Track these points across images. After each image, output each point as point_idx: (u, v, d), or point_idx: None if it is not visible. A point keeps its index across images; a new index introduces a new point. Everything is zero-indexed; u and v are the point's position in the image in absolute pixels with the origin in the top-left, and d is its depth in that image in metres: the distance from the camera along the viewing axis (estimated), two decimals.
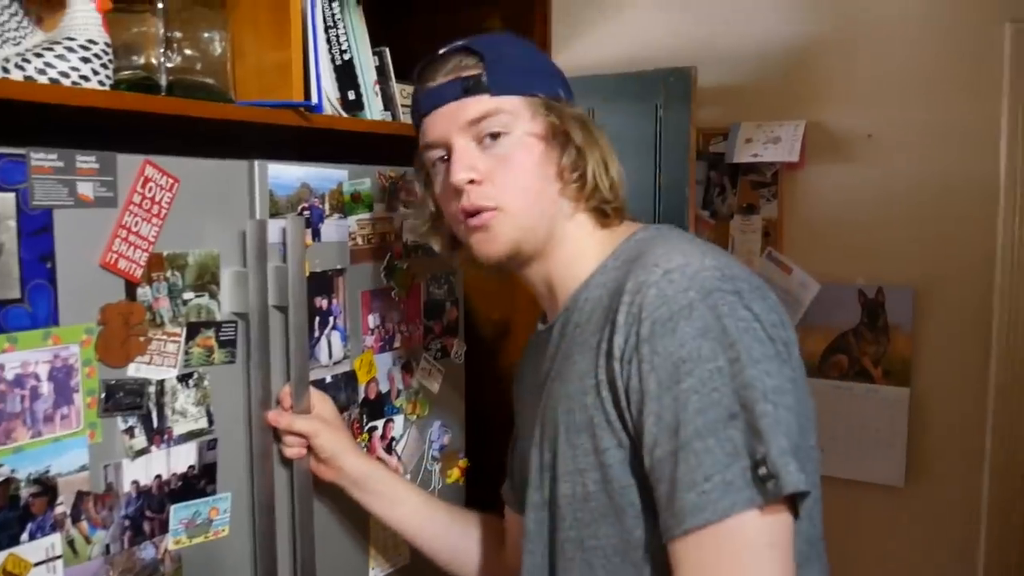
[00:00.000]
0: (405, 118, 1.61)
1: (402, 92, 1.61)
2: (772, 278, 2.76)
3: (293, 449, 1.27)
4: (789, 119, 2.74)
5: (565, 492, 0.98)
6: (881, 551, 2.70)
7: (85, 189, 1.02)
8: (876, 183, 2.65)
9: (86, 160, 1.02)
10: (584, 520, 0.96)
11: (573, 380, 0.98)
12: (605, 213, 1.06)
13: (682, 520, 0.82)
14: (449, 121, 1.04)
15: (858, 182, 2.68)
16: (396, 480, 1.34)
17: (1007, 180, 2.45)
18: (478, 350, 1.77)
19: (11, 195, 0.95)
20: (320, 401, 1.31)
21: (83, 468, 1.04)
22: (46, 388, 0.99)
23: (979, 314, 2.51)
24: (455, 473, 1.64)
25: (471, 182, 1.02)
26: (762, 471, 0.79)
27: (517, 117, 1.03)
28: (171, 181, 1.12)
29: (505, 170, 1.02)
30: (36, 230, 0.98)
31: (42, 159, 0.98)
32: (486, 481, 1.74)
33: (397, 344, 1.50)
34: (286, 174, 1.27)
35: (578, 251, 1.05)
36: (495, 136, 1.02)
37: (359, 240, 1.41)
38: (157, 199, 1.11)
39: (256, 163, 1.23)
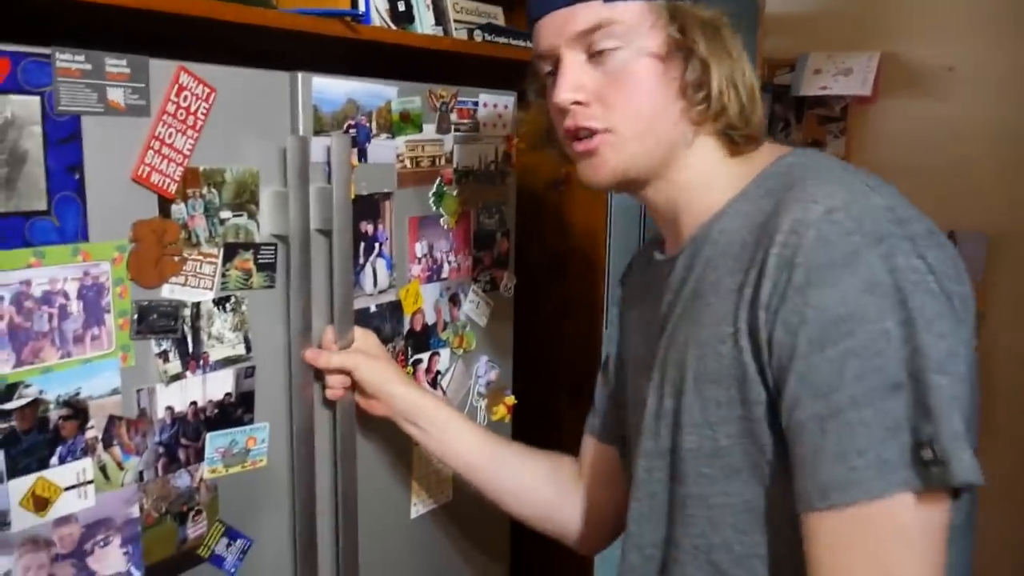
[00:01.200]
0: (458, 34, 1.52)
1: (455, 6, 1.51)
2: None
3: (334, 390, 1.21)
4: (862, 49, 2.57)
5: (690, 445, 0.88)
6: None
7: (115, 95, 0.95)
8: (954, 121, 2.48)
9: (116, 64, 0.95)
10: (712, 476, 0.87)
11: (707, 324, 0.86)
12: (733, 140, 0.92)
13: (827, 494, 0.73)
14: (557, 31, 0.91)
15: (935, 119, 2.51)
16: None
17: None
18: (528, 285, 1.69)
19: (35, 98, 0.88)
20: (362, 335, 1.24)
21: (115, 392, 0.99)
22: (75, 307, 0.94)
23: None
24: (501, 410, 1.57)
25: (577, 103, 0.90)
26: (926, 454, 0.69)
27: (634, 28, 0.88)
28: (207, 91, 1.04)
29: (617, 90, 0.89)
30: (63, 138, 0.91)
31: (69, 60, 0.90)
32: (533, 419, 1.68)
33: (445, 274, 1.42)
34: (331, 88, 1.19)
35: (708, 177, 0.92)
36: (607, 50, 0.89)
37: (407, 163, 1.32)
38: (192, 109, 1.03)
39: (300, 75, 1.15)
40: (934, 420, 0.70)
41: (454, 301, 1.44)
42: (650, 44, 0.89)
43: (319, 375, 1.20)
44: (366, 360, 1.20)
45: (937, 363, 0.71)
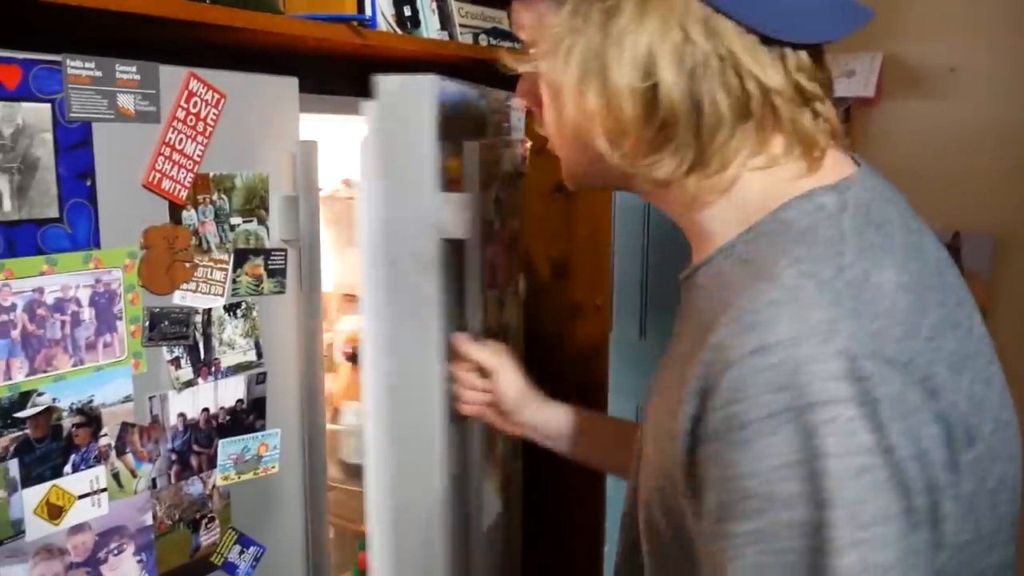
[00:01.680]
0: (464, 38, 1.52)
1: (460, 11, 1.51)
2: None
3: (471, 406, 1.11)
4: (864, 51, 2.57)
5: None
6: None
7: (126, 102, 0.95)
8: (957, 121, 2.47)
9: (126, 70, 0.95)
10: (651, 552, 0.71)
11: (676, 358, 0.69)
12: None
13: None
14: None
15: (938, 120, 2.51)
16: (594, 419, 1.11)
17: None
18: (535, 288, 1.69)
19: (47, 105, 0.88)
20: (496, 346, 1.13)
21: (127, 399, 0.98)
22: (88, 314, 0.94)
23: None
24: None
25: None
26: None
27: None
28: (217, 96, 1.04)
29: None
30: (74, 144, 0.91)
31: (79, 67, 0.90)
32: None
33: (498, 280, 1.41)
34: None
35: (706, 211, 0.69)
36: None
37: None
38: (202, 115, 1.03)
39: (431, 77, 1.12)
40: None
41: (500, 305, 1.43)
42: None
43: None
44: (510, 368, 1.10)
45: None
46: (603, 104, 0.64)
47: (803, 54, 0.63)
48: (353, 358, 1.35)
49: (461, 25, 1.51)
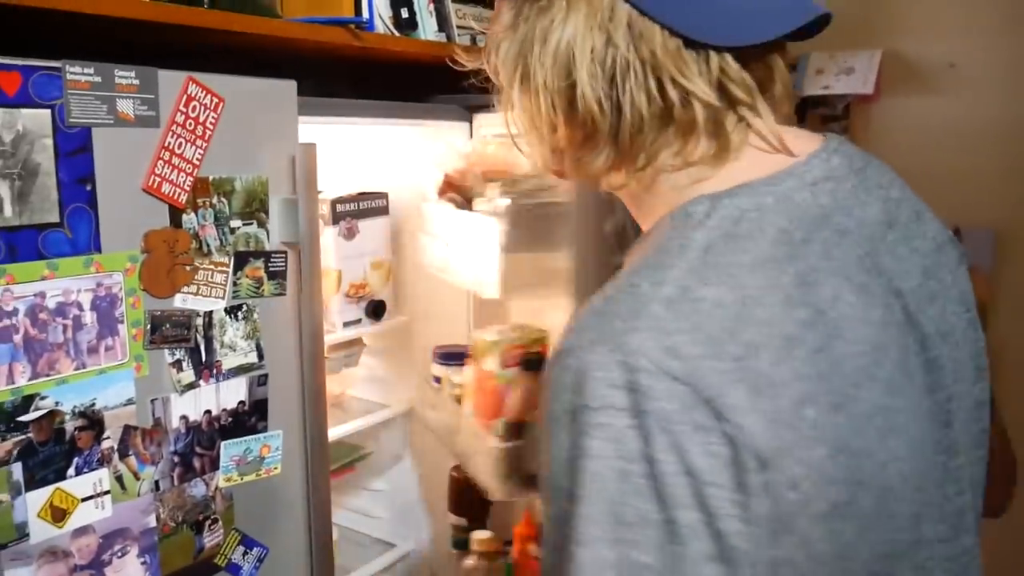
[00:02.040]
0: (461, 39, 1.52)
1: (458, 12, 1.51)
2: None
3: None
4: (864, 48, 2.57)
5: None
6: None
7: (125, 107, 0.96)
8: (957, 117, 2.48)
9: (125, 75, 0.95)
10: None
11: None
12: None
13: None
14: None
15: (937, 116, 2.51)
16: None
17: None
18: None
19: (47, 111, 0.89)
20: None
21: (130, 402, 0.99)
22: (89, 318, 0.94)
23: None
24: None
25: None
26: None
27: None
28: (216, 100, 1.05)
29: None
30: (74, 150, 0.92)
31: (78, 73, 0.91)
32: None
33: None
34: None
35: (641, 207, 0.71)
36: None
37: None
38: (201, 119, 1.04)
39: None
40: None
41: None
42: None
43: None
44: None
45: (574, 570, 0.55)
46: (529, 101, 0.66)
47: (729, 57, 0.62)
48: (530, 364, 1.24)
49: (459, 26, 1.51)
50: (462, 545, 1.57)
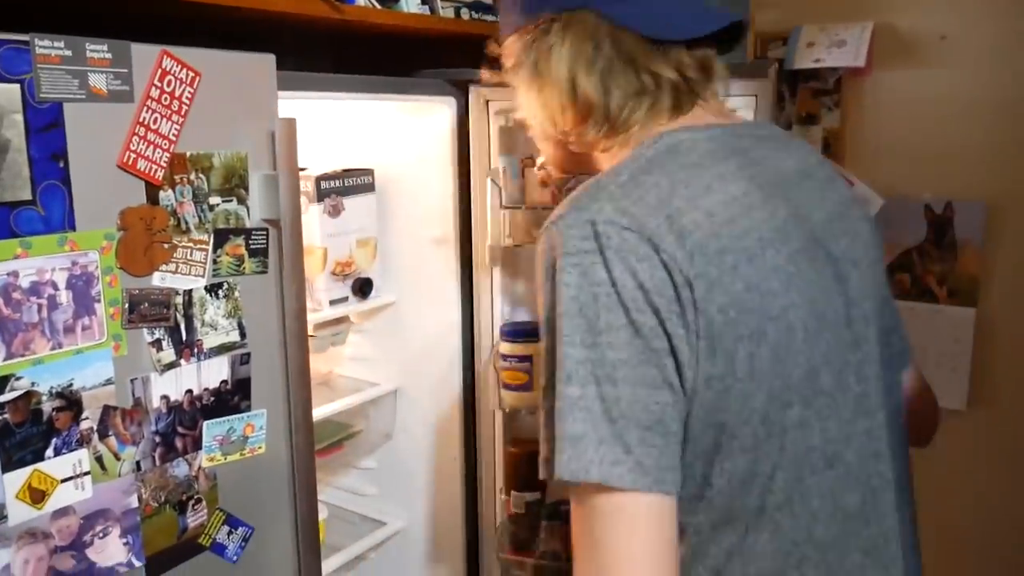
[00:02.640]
0: (445, 12, 1.50)
1: None
2: None
3: None
4: (855, 20, 2.55)
5: None
6: (942, 476, 2.61)
7: (97, 81, 0.94)
8: (949, 90, 2.46)
9: (97, 49, 0.93)
10: None
11: None
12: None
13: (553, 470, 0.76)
14: None
15: (929, 89, 2.49)
16: None
17: None
18: None
19: (15, 86, 0.87)
20: None
21: (108, 382, 0.98)
22: (65, 297, 0.93)
23: None
24: None
25: None
26: (545, 451, 0.76)
27: None
28: (192, 75, 1.03)
29: None
30: (45, 126, 0.90)
31: (48, 47, 0.89)
32: None
33: None
34: None
35: (617, 159, 0.91)
36: None
37: None
38: (177, 94, 1.02)
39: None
40: (555, 423, 0.74)
41: None
42: None
43: None
44: None
45: (566, 374, 0.73)
46: (544, 98, 0.90)
47: (681, 50, 0.87)
48: None
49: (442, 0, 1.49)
50: (557, 516, 1.58)
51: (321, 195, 1.55)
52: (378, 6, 1.35)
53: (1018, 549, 2.51)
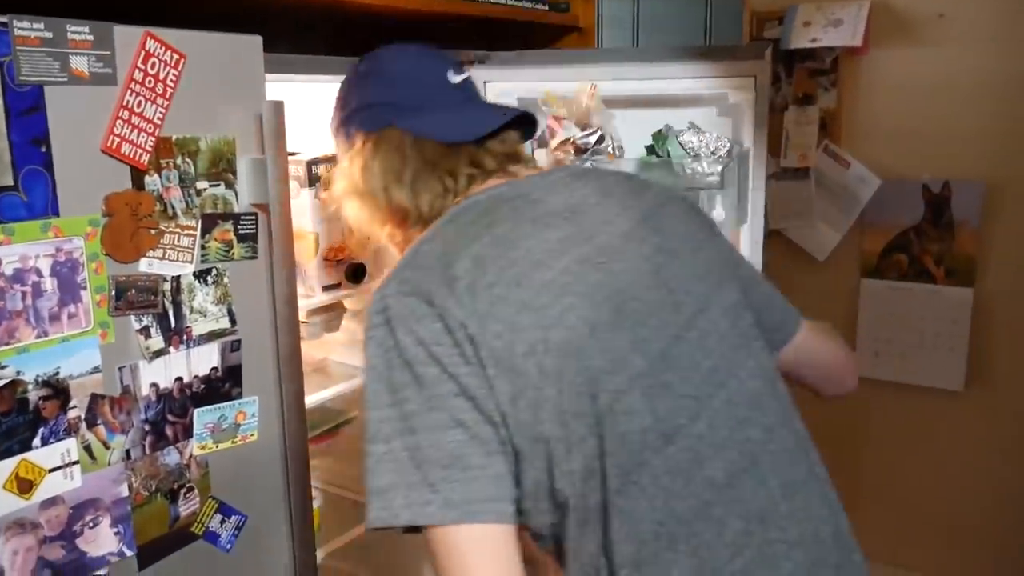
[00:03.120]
0: None
1: None
2: (829, 173, 2.59)
3: None
4: None
5: None
6: (938, 456, 2.61)
7: (79, 64, 0.92)
8: (947, 69, 2.44)
9: (79, 31, 0.91)
10: None
11: None
12: None
13: None
14: None
15: (927, 68, 2.47)
16: None
17: None
18: None
19: None
20: None
21: (96, 370, 0.97)
22: (49, 284, 0.91)
23: None
24: None
25: None
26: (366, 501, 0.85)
27: None
28: (176, 57, 1.01)
29: None
30: (26, 109, 0.88)
31: (27, 28, 0.87)
32: None
33: None
34: None
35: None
36: None
37: None
38: (162, 77, 1.00)
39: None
40: (367, 479, 0.84)
41: None
42: None
43: None
44: None
45: (372, 434, 0.84)
46: (366, 209, 1.02)
47: (472, 147, 1.00)
48: None
49: None
50: None
51: (312, 180, 1.53)
52: None
53: (1014, 528, 2.52)
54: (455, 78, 1.06)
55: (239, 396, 1.13)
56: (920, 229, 2.52)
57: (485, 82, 1.54)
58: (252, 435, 1.15)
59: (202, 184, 1.05)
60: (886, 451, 2.67)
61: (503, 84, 1.54)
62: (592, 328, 0.85)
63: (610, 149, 1.54)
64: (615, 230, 0.92)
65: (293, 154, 1.56)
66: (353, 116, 1.04)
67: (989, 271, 2.45)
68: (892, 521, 2.71)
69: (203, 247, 1.06)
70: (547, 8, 1.69)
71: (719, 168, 1.51)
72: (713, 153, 1.52)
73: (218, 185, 1.07)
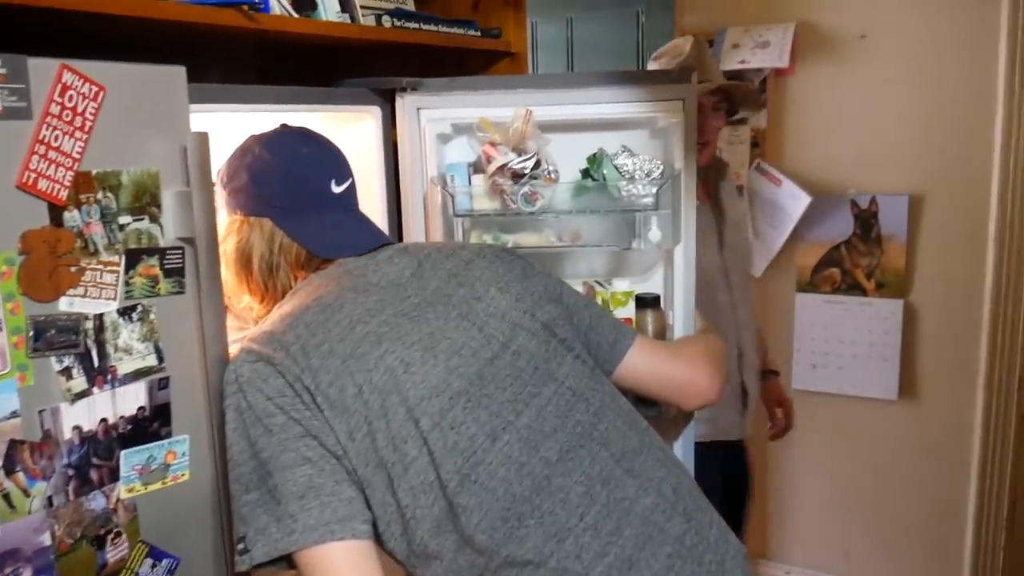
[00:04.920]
0: (366, 20, 1.47)
1: None
2: (762, 191, 2.65)
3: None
4: (778, 21, 2.60)
5: None
6: (874, 465, 2.67)
7: None
8: (869, 87, 2.52)
9: None
10: None
11: None
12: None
13: None
14: None
15: (851, 87, 2.55)
16: None
17: (1006, 83, 2.33)
18: None
19: None
20: None
21: (14, 415, 0.93)
22: None
23: (975, 222, 2.42)
24: None
25: None
26: (240, 547, 1.01)
27: None
28: (95, 89, 0.98)
29: None
30: None
31: None
32: None
33: None
34: None
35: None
36: None
37: None
38: (80, 110, 0.97)
39: None
40: (243, 525, 1.01)
41: None
42: None
43: None
44: None
45: (243, 486, 1.01)
46: (233, 274, 1.20)
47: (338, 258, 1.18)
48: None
49: (363, 7, 1.45)
50: None
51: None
52: (295, 15, 1.31)
53: (945, 529, 2.58)
54: (336, 188, 1.17)
55: (168, 435, 1.09)
56: (850, 243, 2.59)
57: (419, 109, 1.54)
58: (183, 475, 1.11)
59: (125, 219, 1.03)
60: (825, 461, 2.72)
61: (435, 111, 1.54)
62: (407, 366, 1.03)
63: (546, 173, 1.55)
64: (426, 289, 1.12)
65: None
66: (236, 194, 1.17)
67: (917, 282, 2.52)
68: (830, 527, 2.76)
69: (127, 283, 1.03)
70: (479, 34, 1.70)
71: (653, 190, 1.52)
72: (647, 175, 1.54)
73: (142, 219, 1.04)
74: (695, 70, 1.53)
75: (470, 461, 1.00)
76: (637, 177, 1.53)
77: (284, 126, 1.24)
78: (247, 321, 1.29)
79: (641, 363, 1.23)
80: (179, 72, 1.08)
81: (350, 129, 1.57)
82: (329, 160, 1.19)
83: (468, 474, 1.00)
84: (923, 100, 2.47)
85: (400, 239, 1.61)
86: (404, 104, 1.54)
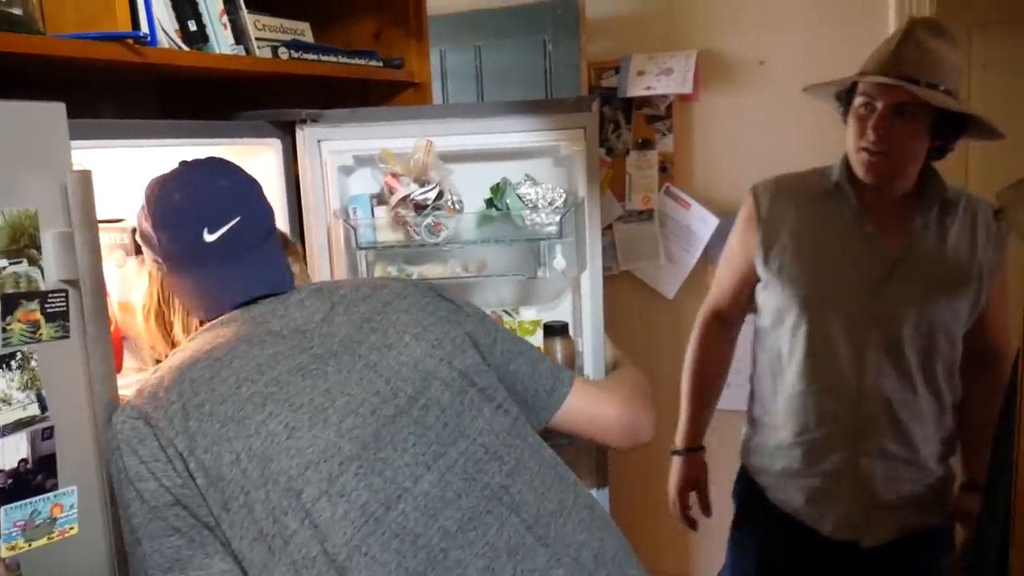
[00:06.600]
0: (262, 52, 1.45)
1: (256, 23, 1.44)
2: (672, 214, 2.70)
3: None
4: (681, 49, 2.66)
5: None
6: None
7: None
8: (770, 111, 2.60)
9: None
10: None
11: None
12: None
13: None
14: None
15: (752, 111, 2.63)
16: None
17: None
18: None
19: None
20: None
21: None
22: None
23: None
24: None
25: None
26: None
27: None
28: None
29: None
30: None
31: None
32: None
33: None
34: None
35: None
36: None
37: None
38: None
39: None
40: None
41: None
42: None
43: None
44: None
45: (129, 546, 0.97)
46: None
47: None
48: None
49: (258, 39, 1.43)
50: None
51: (139, 248, 1.46)
52: (184, 47, 1.28)
53: None
54: (209, 236, 1.08)
55: (54, 488, 1.04)
56: None
57: (319, 141, 1.52)
58: (72, 528, 1.06)
59: (1, 262, 0.98)
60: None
61: (337, 143, 1.52)
62: (292, 431, 0.96)
63: (450, 204, 1.55)
64: (334, 337, 1.05)
65: (119, 221, 1.49)
66: (142, 237, 1.14)
67: None
68: None
69: (4, 330, 0.99)
70: (381, 65, 1.69)
71: (557, 219, 1.54)
72: (550, 204, 1.55)
73: (20, 262, 1.00)
74: (595, 97, 1.55)
75: (361, 532, 0.93)
76: (540, 206, 1.54)
77: (181, 163, 1.16)
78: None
79: (578, 409, 1.18)
80: (58, 108, 1.05)
81: (250, 162, 1.54)
82: (199, 206, 1.09)
83: (359, 546, 0.92)
84: (821, 122, 2.55)
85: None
86: (304, 136, 1.52)
